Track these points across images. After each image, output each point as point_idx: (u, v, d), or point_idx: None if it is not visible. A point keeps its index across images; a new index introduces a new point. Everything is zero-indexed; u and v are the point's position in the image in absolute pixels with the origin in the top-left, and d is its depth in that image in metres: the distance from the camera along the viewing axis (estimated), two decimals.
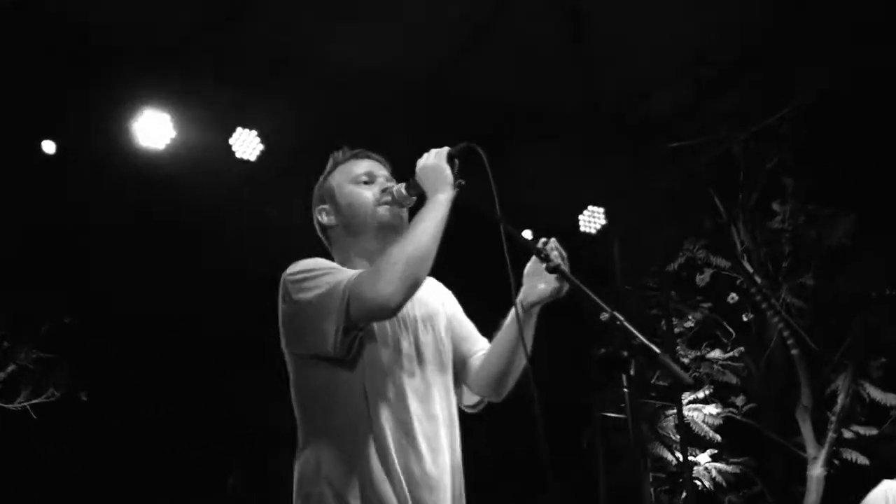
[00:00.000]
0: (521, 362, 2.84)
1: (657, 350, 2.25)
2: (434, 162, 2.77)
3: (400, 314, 2.74)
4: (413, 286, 2.62)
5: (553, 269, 2.67)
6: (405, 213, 2.94)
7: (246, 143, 7.02)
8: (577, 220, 8.25)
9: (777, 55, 7.01)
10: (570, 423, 8.80)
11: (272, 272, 2.90)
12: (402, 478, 2.63)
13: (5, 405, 7.52)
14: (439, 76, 7.03)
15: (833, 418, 9.75)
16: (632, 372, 2.36)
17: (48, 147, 6.70)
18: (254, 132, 6.98)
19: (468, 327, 3.03)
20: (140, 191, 7.02)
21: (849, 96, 8.21)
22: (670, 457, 9.00)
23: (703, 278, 10.23)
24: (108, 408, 7.89)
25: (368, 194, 2.95)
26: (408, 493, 2.63)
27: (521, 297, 2.84)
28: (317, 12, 6.38)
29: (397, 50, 6.74)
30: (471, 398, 3.02)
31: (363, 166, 3.02)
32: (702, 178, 9.64)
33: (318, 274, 2.70)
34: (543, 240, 2.78)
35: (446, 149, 2.83)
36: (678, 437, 8.60)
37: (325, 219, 3.00)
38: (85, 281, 7.63)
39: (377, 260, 2.65)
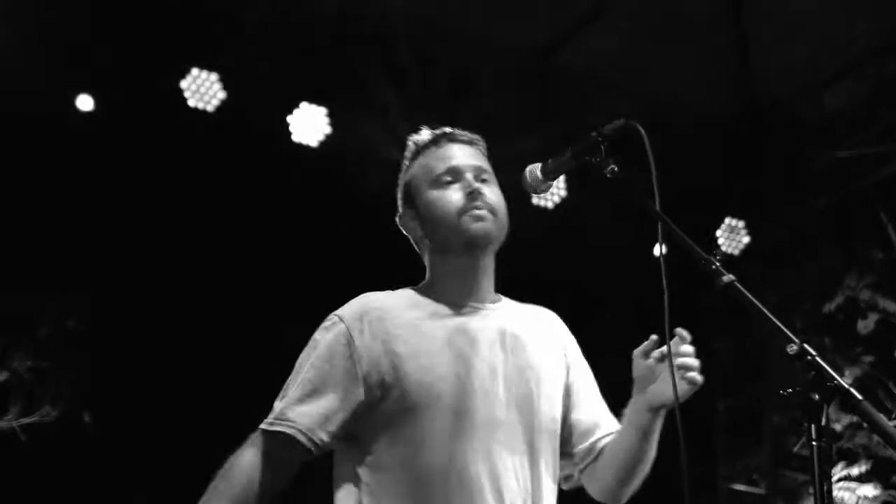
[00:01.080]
0: (646, 467, 2.77)
1: (860, 396, 2.11)
2: None
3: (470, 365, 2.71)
4: None
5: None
6: (504, 215, 2.84)
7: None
8: (716, 237, 8.18)
9: None
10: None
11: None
12: None
13: None
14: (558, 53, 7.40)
15: None
16: (824, 422, 2.14)
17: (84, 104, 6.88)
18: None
19: (590, 392, 2.93)
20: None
21: None
22: None
23: (866, 324, 9.67)
24: (117, 432, 7.69)
25: (452, 200, 2.77)
26: None
27: (643, 398, 2.72)
28: None
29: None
30: (567, 483, 2.93)
31: (445, 160, 2.82)
32: (874, 198, 9.27)
33: (301, 377, 2.71)
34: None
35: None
36: None
37: (406, 227, 2.90)
38: (99, 275, 7.49)
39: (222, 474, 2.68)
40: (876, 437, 9.29)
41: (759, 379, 8.85)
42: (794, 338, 2.16)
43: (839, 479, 9.04)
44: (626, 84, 7.24)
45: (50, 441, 7.39)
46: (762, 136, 7.94)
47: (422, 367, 2.65)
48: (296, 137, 7.23)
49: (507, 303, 2.89)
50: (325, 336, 2.72)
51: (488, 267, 2.86)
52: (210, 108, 6.99)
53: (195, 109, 7.01)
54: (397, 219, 2.93)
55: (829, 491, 7.64)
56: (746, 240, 8.13)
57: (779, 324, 2.19)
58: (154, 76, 6.97)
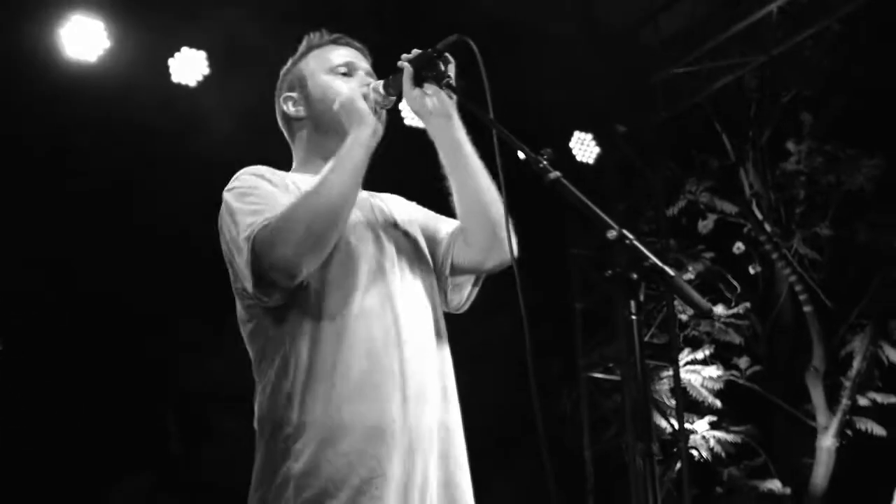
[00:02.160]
0: (487, 193, 2.71)
1: (672, 272, 2.12)
2: (349, 96, 2.75)
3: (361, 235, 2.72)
4: (319, 247, 2.57)
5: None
6: (383, 115, 2.80)
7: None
8: (569, 148, 8.11)
9: None
10: (552, 386, 8.88)
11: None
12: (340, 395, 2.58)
13: None
14: None
15: (847, 384, 9.90)
16: (642, 297, 2.17)
17: None
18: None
19: (438, 219, 2.90)
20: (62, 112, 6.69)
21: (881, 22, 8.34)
22: (664, 424, 9.07)
23: (705, 225, 10.27)
24: (30, 368, 7.68)
25: (346, 88, 2.82)
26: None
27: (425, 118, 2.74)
28: None
29: None
30: (457, 294, 2.90)
31: (343, 55, 2.91)
32: (709, 111, 9.72)
33: (249, 202, 2.64)
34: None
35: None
36: (673, 402, 8.60)
37: (291, 109, 2.90)
38: None
39: (279, 216, 2.55)
40: (717, 324, 9.90)
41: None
42: (613, 224, 2.23)
43: (686, 364, 9.45)
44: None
45: None
46: (607, 55, 7.91)
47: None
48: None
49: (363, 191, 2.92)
50: (246, 174, 2.79)
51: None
52: None
53: None
54: (279, 100, 2.96)
55: (678, 374, 7.99)
56: (597, 150, 8.15)
57: (600, 213, 2.28)
58: None
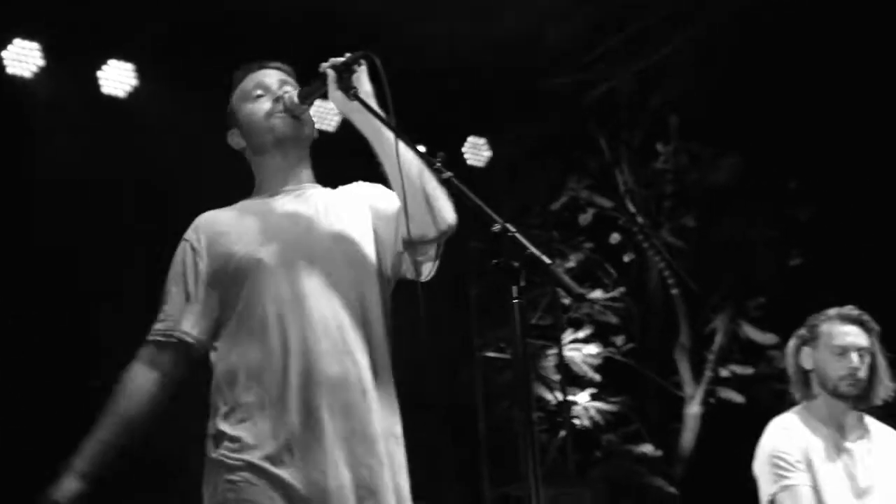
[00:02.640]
0: (412, 166, 2.70)
1: (548, 261, 2.27)
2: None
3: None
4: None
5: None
6: (307, 120, 2.91)
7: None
8: (462, 153, 8.25)
9: None
10: (450, 362, 8.72)
11: None
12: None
13: None
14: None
15: (710, 358, 10.11)
16: (522, 283, 2.27)
17: None
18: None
19: (391, 200, 2.88)
20: None
21: (739, 33, 8.40)
22: (549, 396, 9.11)
23: (585, 218, 10.34)
24: None
25: (261, 108, 2.90)
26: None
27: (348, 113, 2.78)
28: None
29: None
30: (417, 257, 2.90)
31: (255, 79, 2.96)
32: (587, 116, 9.73)
33: (165, 297, 2.88)
34: None
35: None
36: (558, 376, 8.74)
37: (234, 143, 3.00)
38: None
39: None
40: (596, 307, 10.00)
41: None
42: (497, 219, 2.30)
43: (569, 342, 9.52)
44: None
45: None
46: (499, 65, 7.71)
47: (246, 244, 2.78)
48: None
49: (321, 188, 2.98)
50: (176, 257, 2.87)
51: (302, 159, 2.97)
52: None
53: None
54: (228, 138, 3.01)
55: (561, 352, 8.20)
56: (488, 154, 8.28)
57: (486, 209, 2.33)
58: None
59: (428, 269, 2.87)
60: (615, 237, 10.45)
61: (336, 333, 2.73)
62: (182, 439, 3.41)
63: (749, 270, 10.09)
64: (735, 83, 9.43)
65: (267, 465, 2.64)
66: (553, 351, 8.86)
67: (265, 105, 2.88)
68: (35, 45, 6.57)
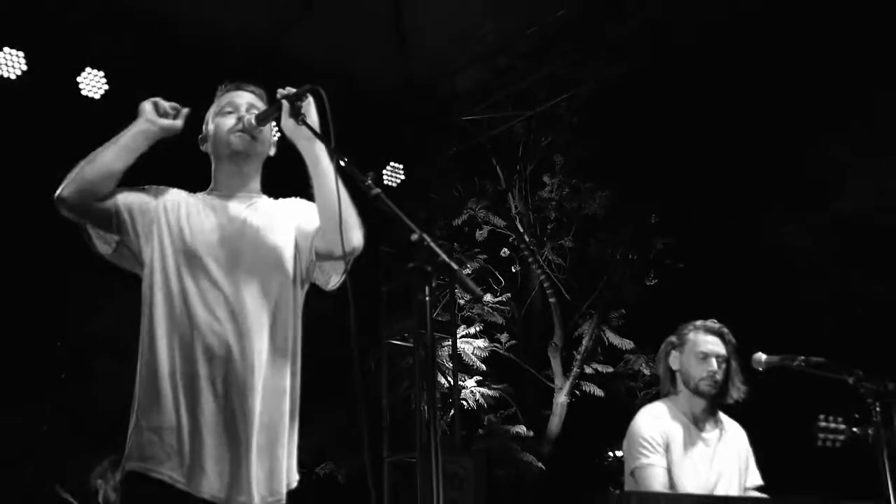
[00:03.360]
0: (331, 189, 2.67)
1: (455, 266, 2.30)
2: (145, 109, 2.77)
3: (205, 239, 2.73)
4: (83, 187, 2.64)
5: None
6: (263, 139, 2.86)
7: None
8: (381, 175, 8.06)
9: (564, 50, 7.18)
10: (361, 349, 8.93)
11: None
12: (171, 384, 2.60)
13: None
14: (276, 40, 6.87)
15: (577, 357, 10.38)
16: (434, 284, 2.29)
17: None
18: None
19: (312, 219, 2.84)
20: None
21: (615, 95, 8.71)
22: (443, 381, 9.18)
23: (481, 234, 10.51)
24: None
25: (225, 123, 2.85)
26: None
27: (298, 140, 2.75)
28: None
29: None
30: (322, 276, 2.86)
31: (228, 97, 2.92)
32: (487, 148, 9.95)
33: None
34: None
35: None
36: (451, 364, 8.66)
37: (202, 147, 2.96)
38: None
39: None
40: (486, 308, 10.14)
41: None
42: (415, 228, 2.25)
43: (461, 336, 9.60)
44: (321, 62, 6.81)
45: None
46: (418, 104, 7.77)
47: (195, 232, 2.72)
48: None
49: (266, 199, 2.90)
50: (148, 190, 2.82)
51: (252, 172, 2.88)
52: None
53: None
54: (199, 142, 2.93)
55: (455, 344, 8.30)
56: (402, 176, 8.09)
57: (408, 221, 2.29)
58: None
59: (335, 281, 2.83)
60: (505, 251, 10.73)
61: (240, 318, 2.65)
62: None
63: (613, 286, 10.41)
64: (609, 133, 9.82)
65: None
66: (447, 343, 8.85)
67: (229, 121, 2.83)
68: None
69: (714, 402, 3.68)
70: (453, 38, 7.24)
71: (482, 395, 9.77)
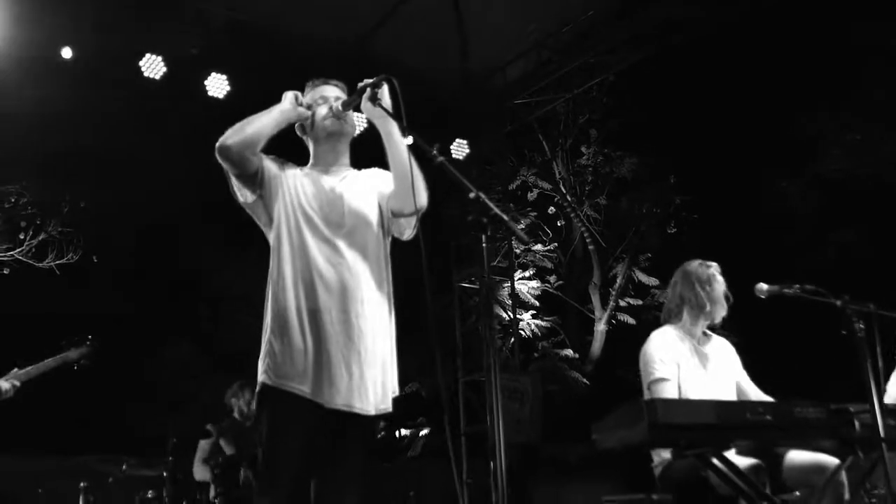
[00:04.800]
0: (405, 162, 2.64)
1: (506, 217, 2.26)
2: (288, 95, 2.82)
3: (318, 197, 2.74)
4: (243, 139, 2.66)
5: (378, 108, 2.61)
6: (349, 122, 2.87)
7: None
8: (449, 149, 8.06)
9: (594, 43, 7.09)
10: (436, 294, 8.80)
11: None
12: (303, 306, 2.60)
13: (36, 264, 7.36)
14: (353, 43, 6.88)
15: (613, 293, 10.36)
16: (489, 232, 2.23)
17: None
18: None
19: (389, 182, 2.82)
20: None
21: (639, 75, 8.37)
22: (504, 315, 9.18)
23: (532, 196, 10.49)
24: (111, 269, 7.75)
25: (320, 112, 2.86)
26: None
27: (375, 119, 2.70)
28: None
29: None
30: (397, 229, 2.82)
31: (319, 90, 2.92)
32: (534, 127, 9.91)
33: None
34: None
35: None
36: (510, 301, 8.57)
37: (298, 133, 2.96)
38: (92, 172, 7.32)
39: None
40: (538, 255, 10.05)
41: None
42: (472, 188, 2.21)
43: (519, 279, 9.73)
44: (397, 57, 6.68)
45: (72, 275, 7.26)
46: (478, 92, 7.73)
47: (308, 197, 2.72)
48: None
49: (354, 171, 2.89)
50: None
51: (342, 149, 2.88)
52: None
53: None
54: (296, 129, 2.91)
55: (513, 284, 8.12)
56: (467, 150, 8.07)
57: (467, 182, 2.24)
58: None
59: (409, 233, 2.80)
60: (551, 209, 10.69)
61: (347, 262, 2.66)
62: None
63: (641, 235, 10.32)
64: (635, 110, 9.65)
65: None
66: (507, 284, 8.80)
67: (322, 110, 2.85)
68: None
69: (713, 325, 3.58)
70: (504, 38, 7.24)
71: (536, 325, 9.75)
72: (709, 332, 3.64)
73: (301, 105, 2.82)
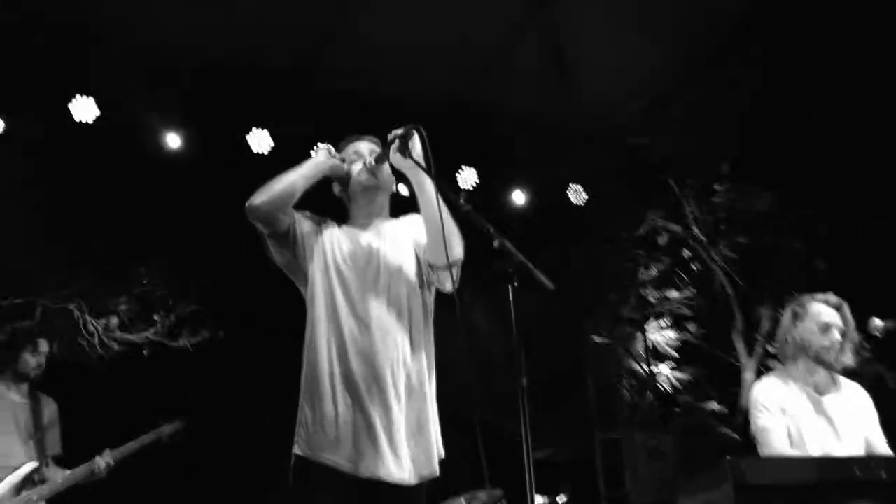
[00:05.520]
0: (434, 210, 2.64)
1: (531, 265, 2.24)
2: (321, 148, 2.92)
3: (347, 250, 2.74)
4: (273, 198, 2.66)
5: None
6: (384, 176, 2.87)
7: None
8: (567, 194, 8.16)
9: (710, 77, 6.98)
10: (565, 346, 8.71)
11: None
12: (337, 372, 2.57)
13: (171, 343, 7.62)
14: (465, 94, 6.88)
15: (759, 338, 9.78)
16: (516, 283, 2.24)
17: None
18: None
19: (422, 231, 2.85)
20: None
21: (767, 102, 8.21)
22: (639, 368, 9.05)
23: (662, 239, 10.15)
24: (240, 346, 7.82)
25: (354, 168, 2.92)
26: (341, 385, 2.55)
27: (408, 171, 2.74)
28: None
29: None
30: (437, 281, 2.79)
31: (353, 146, 2.98)
32: (657, 167, 9.65)
33: None
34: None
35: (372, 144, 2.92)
36: (646, 354, 8.63)
37: (335, 191, 3.01)
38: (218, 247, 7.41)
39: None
40: (675, 304, 9.80)
41: None
42: (496, 236, 2.23)
43: (654, 330, 9.49)
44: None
45: (205, 353, 7.48)
46: (594, 134, 7.76)
47: (343, 256, 2.74)
48: None
49: (391, 221, 2.92)
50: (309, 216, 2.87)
51: (381, 203, 2.92)
52: None
53: None
54: (333, 187, 2.98)
55: (646, 337, 7.94)
56: (585, 196, 8.14)
57: (492, 230, 2.25)
58: None
59: (448, 285, 2.74)
60: (686, 253, 10.20)
61: (382, 323, 2.62)
62: None
63: (784, 273, 9.69)
64: (770, 140, 9.19)
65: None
66: (640, 336, 8.71)
67: (357, 166, 2.90)
68: None
69: (831, 369, 3.42)
70: (618, 77, 7.17)
71: (676, 378, 9.48)
72: (838, 377, 3.47)
73: (335, 157, 2.87)
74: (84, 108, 6.22)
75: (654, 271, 9.79)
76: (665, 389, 9.40)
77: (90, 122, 6.16)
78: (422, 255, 2.80)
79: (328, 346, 2.61)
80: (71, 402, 5.00)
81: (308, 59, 6.41)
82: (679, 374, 9.51)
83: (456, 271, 2.70)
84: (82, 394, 6.25)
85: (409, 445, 2.56)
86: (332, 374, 2.57)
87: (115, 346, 7.39)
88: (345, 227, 2.89)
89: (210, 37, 6.08)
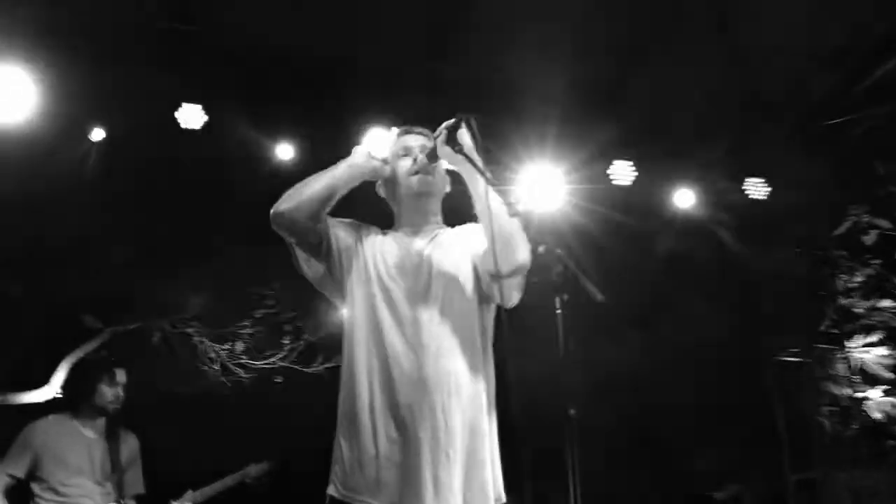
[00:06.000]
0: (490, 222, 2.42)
1: (580, 273, 2.15)
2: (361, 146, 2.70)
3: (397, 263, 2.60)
4: (300, 204, 2.49)
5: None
6: (438, 176, 2.71)
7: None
8: (743, 189, 7.51)
9: None
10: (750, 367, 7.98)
11: None
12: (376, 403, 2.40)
13: (304, 369, 7.40)
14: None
15: None
16: (565, 296, 2.13)
17: None
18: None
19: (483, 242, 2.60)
20: None
21: None
22: (840, 392, 8.13)
23: (869, 238, 8.96)
24: None
25: (402, 166, 2.72)
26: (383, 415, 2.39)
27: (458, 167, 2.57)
28: None
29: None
30: (498, 294, 2.50)
31: (400, 142, 2.77)
32: (860, 150, 8.60)
33: None
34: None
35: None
36: (848, 375, 7.82)
37: (380, 193, 2.83)
38: None
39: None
40: (887, 314, 8.57)
41: None
42: (544, 241, 2.17)
43: (863, 346, 8.36)
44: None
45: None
46: (775, 119, 7.26)
47: (387, 267, 2.57)
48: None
49: (447, 230, 2.75)
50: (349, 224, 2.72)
51: (432, 208, 2.76)
52: None
53: None
54: (376, 188, 2.82)
55: (847, 357, 7.09)
56: (768, 188, 7.60)
57: (540, 237, 2.13)
58: None
59: (516, 297, 2.55)
60: None
61: (430, 345, 2.45)
62: None
63: None
64: None
65: None
66: (842, 354, 7.89)
67: (406, 164, 2.72)
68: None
69: None
70: (800, 52, 6.54)
71: (892, 405, 8.26)
72: None
73: (376, 159, 2.66)
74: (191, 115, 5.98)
75: (860, 277, 8.70)
76: (876, 418, 8.29)
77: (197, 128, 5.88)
78: (481, 265, 2.58)
79: (369, 372, 2.44)
80: (190, 433, 5.05)
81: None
82: (894, 400, 8.32)
83: (519, 280, 2.49)
84: (205, 423, 6.19)
85: (460, 490, 2.36)
86: (372, 406, 2.41)
87: (242, 373, 7.17)
88: (391, 235, 2.72)
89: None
